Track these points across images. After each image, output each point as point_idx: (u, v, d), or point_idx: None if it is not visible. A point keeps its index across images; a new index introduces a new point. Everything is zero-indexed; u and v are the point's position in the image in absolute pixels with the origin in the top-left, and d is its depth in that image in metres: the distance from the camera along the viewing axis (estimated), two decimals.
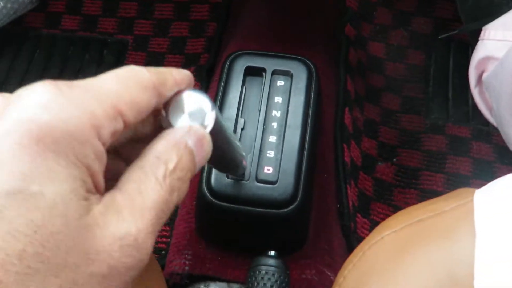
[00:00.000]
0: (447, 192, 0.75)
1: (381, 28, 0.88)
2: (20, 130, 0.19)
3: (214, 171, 0.55)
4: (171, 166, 0.23)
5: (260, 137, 0.56)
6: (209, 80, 0.82)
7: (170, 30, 0.91)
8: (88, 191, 0.21)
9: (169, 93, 0.25)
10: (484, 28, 0.64)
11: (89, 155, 0.21)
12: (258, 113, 0.57)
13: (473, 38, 0.78)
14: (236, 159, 0.39)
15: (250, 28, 0.79)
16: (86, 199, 0.20)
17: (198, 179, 0.57)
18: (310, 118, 0.57)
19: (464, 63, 0.85)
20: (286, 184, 0.54)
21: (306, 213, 0.58)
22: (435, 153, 0.78)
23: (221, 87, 0.59)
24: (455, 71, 0.84)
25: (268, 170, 0.54)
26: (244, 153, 0.41)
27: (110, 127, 0.22)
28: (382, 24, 0.88)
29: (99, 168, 0.21)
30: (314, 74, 0.59)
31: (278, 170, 0.54)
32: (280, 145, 0.55)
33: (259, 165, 0.54)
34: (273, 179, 0.54)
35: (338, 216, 0.65)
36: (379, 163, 0.77)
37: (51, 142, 0.19)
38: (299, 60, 0.60)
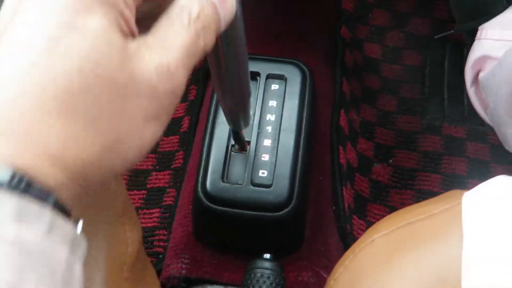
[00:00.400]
0: (442, 192, 0.76)
1: (376, 29, 0.88)
2: None
3: (209, 174, 0.55)
4: (194, 14, 0.25)
5: (255, 141, 0.56)
6: (206, 84, 0.82)
7: None
8: (124, 32, 0.24)
9: None
10: (480, 27, 0.64)
11: (120, 1, 0.24)
12: (252, 116, 0.58)
13: (469, 38, 0.78)
14: (247, 85, 0.38)
15: (246, 30, 0.80)
16: (123, 35, 0.24)
17: (194, 183, 0.57)
18: (304, 122, 0.58)
19: (459, 63, 0.85)
20: (281, 187, 0.54)
21: (302, 216, 0.59)
22: (431, 154, 0.78)
23: (216, 96, 0.60)
24: (451, 72, 0.85)
25: (263, 173, 0.55)
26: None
27: None
28: (377, 25, 0.89)
29: (130, 14, 0.24)
30: (308, 78, 0.60)
31: (273, 173, 0.55)
32: (275, 149, 0.56)
33: (254, 169, 0.55)
34: (268, 182, 0.54)
35: (334, 218, 0.66)
36: (375, 164, 0.77)
37: None
38: (293, 63, 0.60)
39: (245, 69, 0.35)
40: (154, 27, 0.25)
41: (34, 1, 0.23)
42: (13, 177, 0.21)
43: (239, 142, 0.55)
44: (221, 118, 0.58)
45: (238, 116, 0.44)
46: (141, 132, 0.25)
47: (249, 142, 0.57)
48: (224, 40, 0.30)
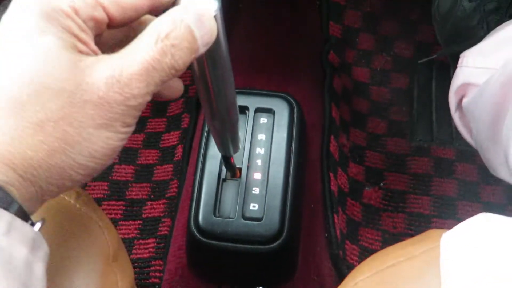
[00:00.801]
0: (434, 215, 0.77)
1: (364, 53, 0.90)
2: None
3: (201, 209, 0.56)
4: (162, 34, 0.27)
5: (245, 175, 0.58)
6: (198, 112, 0.84)
7: None
8: (80, 50, 0.27)
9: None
10: (461, 55, 0.66)
11: (73, 26, 0.27)
12: (242, 150, 0.59)
13: (453, 61, 0.80)
14: (235, 108, 0.39)
15: (234, 60, 0.81)
16: (78, 52, 0.26)
17: (187, 215, 0.58)
18: (293, 154, 0.59)
19: (446, 84, 0.87)
20: (272, 220, 0.55)
21: (293, 247, 0.60)
22: (421, 176, 0.79)
23: (207, 127, 0.61)
24: (438, 93, 0.86)
25: (253, 207, 0.56)
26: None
27: (87, 11, 0.27)
28: (365, 49, 0.90)
29: (87, 38, 0.27)
30: (296, 110, 0.61)
31: (263, 206, 0.56)
32: (265, 182, 0.57)
33: (245, 202, 0.56)
34: (258, 215, 0.55)
35: (327, 245, 0.67)
36: (367, 188, 0.78)
37: (42, 14, 0.26)
38: (280, 97, 0.62)
39: (231, 91, 0.36)
40: (125, 46, 0.27)
41: (5, 21, 0.27)
42: None
43: (230, 168, 0.56)
44: (212, 150, 0.59)
45: (228, 141, 0.45)
46: (91, 139, 0.27)
47: (240, 169, 0.58)
48: (209, 62, 0.31)
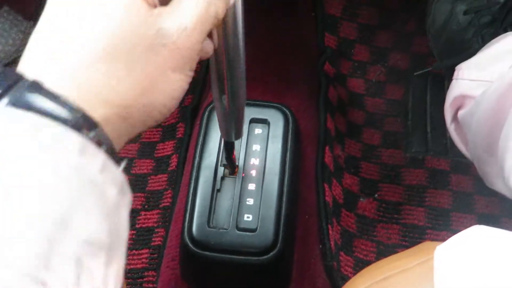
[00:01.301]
0: (428, 227, 0.77)
1: (359, 64, 0.90)
2: None
3: (195, 219, 0.56)
4: None
5: (240, 185, 0.57)
6: (193, 121, 0.83)
7: None
8: (149, 3, 0.30)
9: None
10: (457, 67, 0.66)
11: None
12: (237, 161, 0.59)
13: (448, 73, 0.80)
14: (244, 85, 0.40)
15: None
16: (147, 5, 0.30)
17: (181, 225, 0.58)
18: (288, 165, 0.59)
19: (441, 96, 0.87)
20: (266, 231, 0.55)
21: (288, 259, 0.59)
22: (415, 187, 0.79)
23: (201, 137, 0.61)
24: (433, 104, 0.87)
25: (248, 217, 0.56)
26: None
27: None
28: (360, 60, 0.91)
29: None
30: (290, 121, 0.61)
31: (258, 217, 0.56)
32: (260, 193, 0.57)
33: (239, 213, 0.56)
34: (253, 226, 0.55)
35: (321, 257, 0.67)
36: (361, 199, 0.78)
37: None
38: (275, 107, 0.62)
39: (243, 67, 0.38)
40: (174, 1, 0.32)
41: None
42: (77, 117, 0.26)
43: (230, 161, 0.55)
44: (207, 161, 0.59)
45: (231, 123, 0.44)
46: (170, 80, 0.31)
47: (238, 166, 0.58)
48: (229, 28, 0.34)
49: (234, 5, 0.33)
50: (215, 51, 0.36)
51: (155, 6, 0.31)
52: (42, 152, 0.24)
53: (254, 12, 0.88)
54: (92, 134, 0.27)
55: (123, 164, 0.29)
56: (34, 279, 0.22)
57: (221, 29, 0.34)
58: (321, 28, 0.90)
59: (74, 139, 0.26)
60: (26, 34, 0.91)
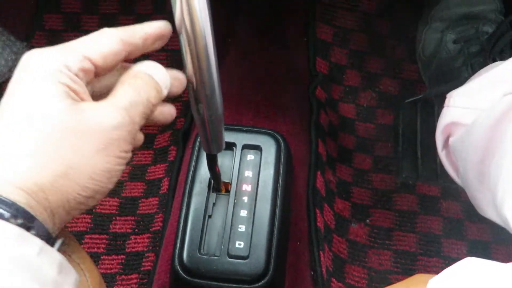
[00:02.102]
0: (419, 253, 0.77)
1: (350, 89, 0.91)
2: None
3: (186, 246, 0.55)
4: (131, 78, 0.35)
5: (231, 212, 0.57)
6: (185, 144, 0.83)
7: None
8: (74, 98, 0.33)
9: (139, 41, 0.36)
10: (448, 95, 0.67)
11: (65, 79, 0.33)
12: (229, 186, 0.59)
13: (438, 99, 0.81)
14: (218, 89, 0.40)
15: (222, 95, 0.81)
16: (72, 99, 0.33)
17: (172, 250, 0.57)
18: (280, 191, 0.59)
19: (430, 122, 0.88)
20: (257, 258, 0.55)
21: (279, 286, 0.59)
22: (406, 213, 0.80)
23: (193, 161, 0.61)
24: (423, 130, 0.87)
25: (239, 244, 0.55)
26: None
27: (77, 65, 0.34)
28: (351, 85, 0.92)
29: (79, 87, 0.33)
30: (283, 147, 0.61)
31: (249, 244, 0.55)
32: (251, 219, 0.57)
33: (230, 240, 0.56)
34: (244, 253, 0.55)
35: (313, 283, 0.66)
36: (353, 224, 0.78)
37: (46, 75, 0.33)
38: (267, 134, 0.62)
39: (215, 71, 0.38)
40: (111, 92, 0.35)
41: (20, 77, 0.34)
42: (11, 209, 0.29)
43: (214, 175, 0.54)
44: (199, 186, 0.59)
45: (211, 133, 0.44)
46: (91, 162, 0.32)
47: (228, 184, 0.58)
48: (196, 41, 0.35)
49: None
50: (187, 59, 0.36)
51: (83, 100, 0.33)
52: None
53: (246, 37, 0.89)
54: (19, 221, 0.29)
55: (57, 244, 0.32)
56: None
57: (190, 38, 0.35)
58: (313, 53, 0.91)
59: (10, 229, 0.28)
60: (19, 55, 0.91)
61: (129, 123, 0.33)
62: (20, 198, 0.30)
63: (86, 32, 0.35)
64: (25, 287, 0.27)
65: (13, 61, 0.92)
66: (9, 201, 0.29)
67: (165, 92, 0.37)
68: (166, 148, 0.86)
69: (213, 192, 0.59)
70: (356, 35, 0.94)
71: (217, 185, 0.58)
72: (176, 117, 0.88)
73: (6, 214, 0.29)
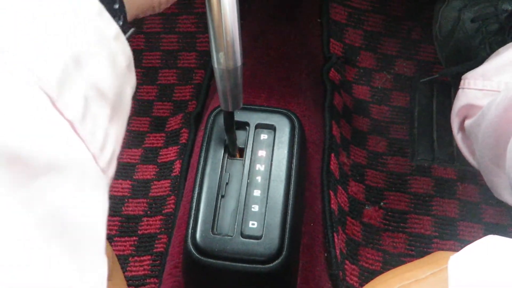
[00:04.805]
0: (435, 236, 0.76)
1: (365, 71, 0.90)
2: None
3: (199, 225, 0.55)
4: None
5: (245, 192, 0.56)
6: (197, 127, 0.83)
7: (158, 78, 0.92)
8: None
9: None
10: (464, 77, 0.65)
11: None
12: (242, 167, 0.58)
13: (454, 80, 0.79)
14: (239, 42, 0.41)
15: None
16: None
17: (184, 231, 0.57)
18: (294, 171, 0.58)
19: (447, 104, 0.87)
20: (271, 238, 0.54)
21: (293, 267, 0.58)
22: (422, 196, 0.78)
23: (205, 142, 0.60)
24: (439, 112, 0.86)
25: (253, 224, 0.55)
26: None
27: None
28: (365, 67, 0.90)
29: None
30: (297, 127, 0.60)
31: (263, 224, 0.55)
32: (265, 199, 0.56)
33: (244, 220, 0.55)
34: (258, 234, 0.54)
35: (326, 265, 0.65)
36: (367, 207, 0.77)
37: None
38: (282, 113, 0.61)
39: (238, 19, 0.39)
40: None
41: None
42: None
43: (230, 137, 0.55)
44: (211, 166, 0.58)
45: (230, 87, 0.44)
46: None
47: (242, 149, 0.58)
48: None
49: None
50: (210, 7, 0.37)
51: None
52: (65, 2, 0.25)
53: (260, 18, 0.88)
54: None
55: (130, 32, 0.30)
56: (45, 93, 0.22)
57: None
58: (327, 34, 0.89)
59: (92, 2, 0.27)
60: None
61: None
62: None
63: None
64: (101, 58, 0.26)
65: None
66: None
67: None
68: (178, 130, 0.85)
69: (226, 172, 0.58)
70: (371, 16, 0.92)
71: (233, 149, 0.57)
72: (188, 100, 0.89)
73: None
